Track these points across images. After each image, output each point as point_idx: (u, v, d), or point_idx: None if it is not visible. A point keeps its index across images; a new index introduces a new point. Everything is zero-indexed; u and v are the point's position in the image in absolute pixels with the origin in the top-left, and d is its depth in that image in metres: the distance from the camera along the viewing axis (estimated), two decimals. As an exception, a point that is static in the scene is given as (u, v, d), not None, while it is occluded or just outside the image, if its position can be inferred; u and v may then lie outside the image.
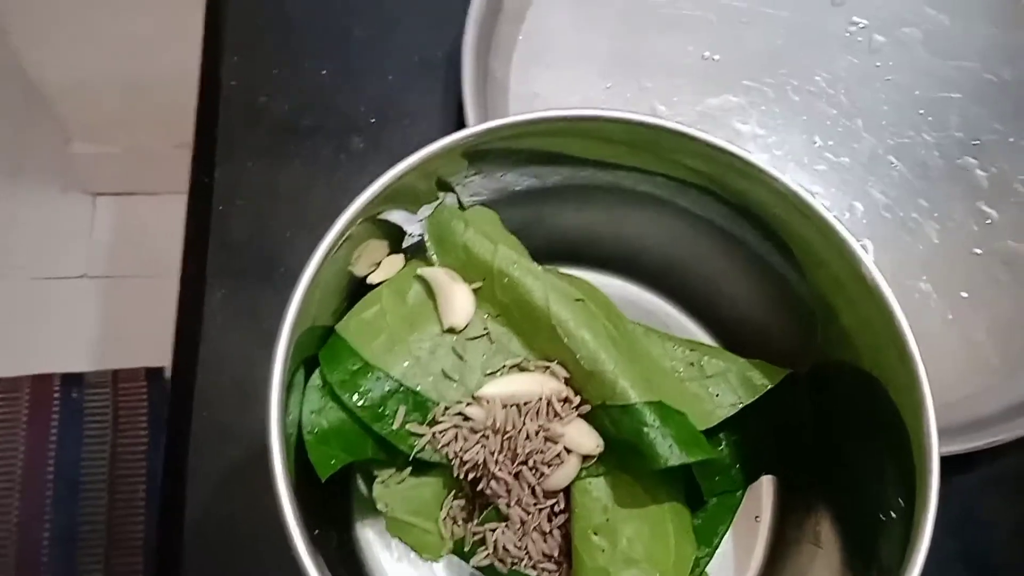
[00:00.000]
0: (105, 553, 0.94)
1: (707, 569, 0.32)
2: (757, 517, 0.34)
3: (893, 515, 0.28)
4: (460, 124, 0.43)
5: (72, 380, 1.00)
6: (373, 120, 0.45)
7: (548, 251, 0.37)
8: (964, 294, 0.44)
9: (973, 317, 0.43)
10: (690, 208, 0.34)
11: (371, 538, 0.32)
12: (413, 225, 0.32)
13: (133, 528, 0.95)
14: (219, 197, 0.43)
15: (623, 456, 0.29)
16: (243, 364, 0.40)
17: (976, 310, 0.43)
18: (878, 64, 0.48)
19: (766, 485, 0.35)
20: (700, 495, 0.32)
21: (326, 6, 0.46)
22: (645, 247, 0.37)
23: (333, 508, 0.33)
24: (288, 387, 0.26)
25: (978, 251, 0.44)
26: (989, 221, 0.45)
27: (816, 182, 0.45)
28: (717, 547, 0.32)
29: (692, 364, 0.32)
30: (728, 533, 0.33)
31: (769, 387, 0.31)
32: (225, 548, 0.38)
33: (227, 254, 0.43)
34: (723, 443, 0.33)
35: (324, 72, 0.45)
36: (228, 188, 0.43)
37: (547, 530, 0.29)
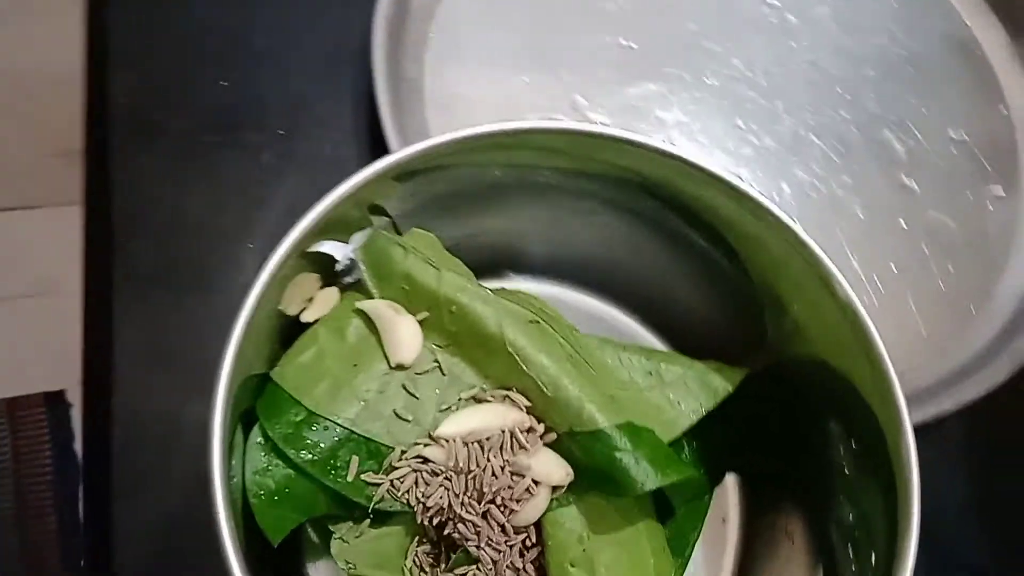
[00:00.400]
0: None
1: (680, 578, 0.31)
2: (724, 519, 0.34)
3: (867, 501, 0.28)
4: (375, 128, 0.40)
5: (-38, 416, 0.93)
6: (282, 132, 0.42)
7: (489, 264, 0.36)
8: (892, 268, 0.44)
9: (902, 291, 0.44)
10: (628, 205, 0.33)
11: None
12: (345, 251, 0.30)
13: (50, 561, 0.90)
14: (120, 226, 0.40)
15: (594, 482, 0.27)
16: (162, 402, 0.37)
17: (904, 284, 0.44)
18: (793, 44, 0.47)
19: (731, 485, 0.34)
20: (668, 505, 0.31)
21: (222, 14, 0.43)
22: (587, 251, 0.36)
23: (283, 560, 0.31)
24: (228, 450, 0.24)
25: (903, 224, 0.45)
26: (911, 193, 0.46)
27: (742, 166, 0.45)
28: (690, 556, 0.31)
29: (650, 373, 0.31)
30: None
31: (730, 391, 0.31)
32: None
33: (133, 285, 0.39)
34: (685, 449, 0.32)
35: (224, 83, 0.42)
36: (129, 216, 0.40)
37: (520, 566, 0.28)
